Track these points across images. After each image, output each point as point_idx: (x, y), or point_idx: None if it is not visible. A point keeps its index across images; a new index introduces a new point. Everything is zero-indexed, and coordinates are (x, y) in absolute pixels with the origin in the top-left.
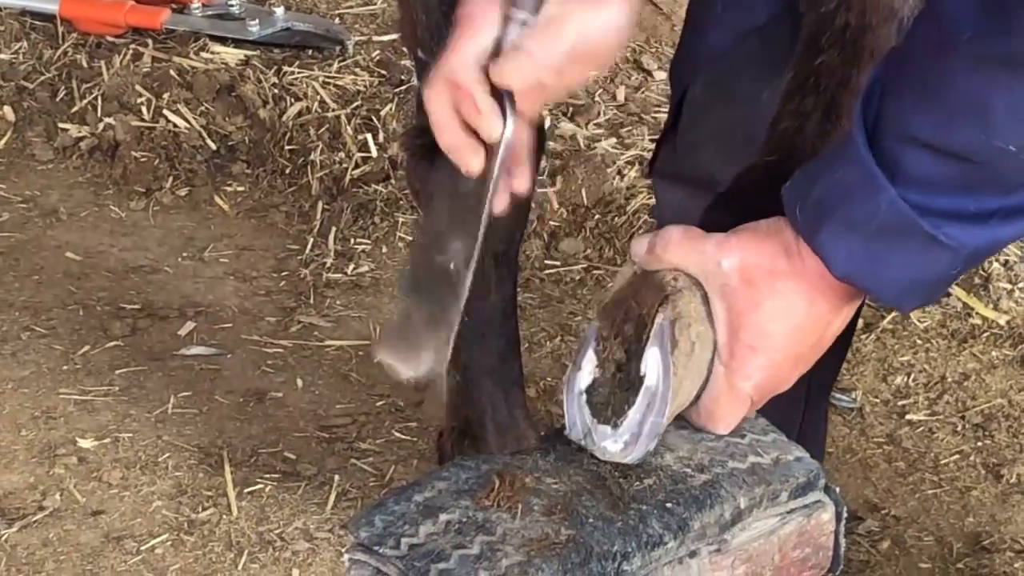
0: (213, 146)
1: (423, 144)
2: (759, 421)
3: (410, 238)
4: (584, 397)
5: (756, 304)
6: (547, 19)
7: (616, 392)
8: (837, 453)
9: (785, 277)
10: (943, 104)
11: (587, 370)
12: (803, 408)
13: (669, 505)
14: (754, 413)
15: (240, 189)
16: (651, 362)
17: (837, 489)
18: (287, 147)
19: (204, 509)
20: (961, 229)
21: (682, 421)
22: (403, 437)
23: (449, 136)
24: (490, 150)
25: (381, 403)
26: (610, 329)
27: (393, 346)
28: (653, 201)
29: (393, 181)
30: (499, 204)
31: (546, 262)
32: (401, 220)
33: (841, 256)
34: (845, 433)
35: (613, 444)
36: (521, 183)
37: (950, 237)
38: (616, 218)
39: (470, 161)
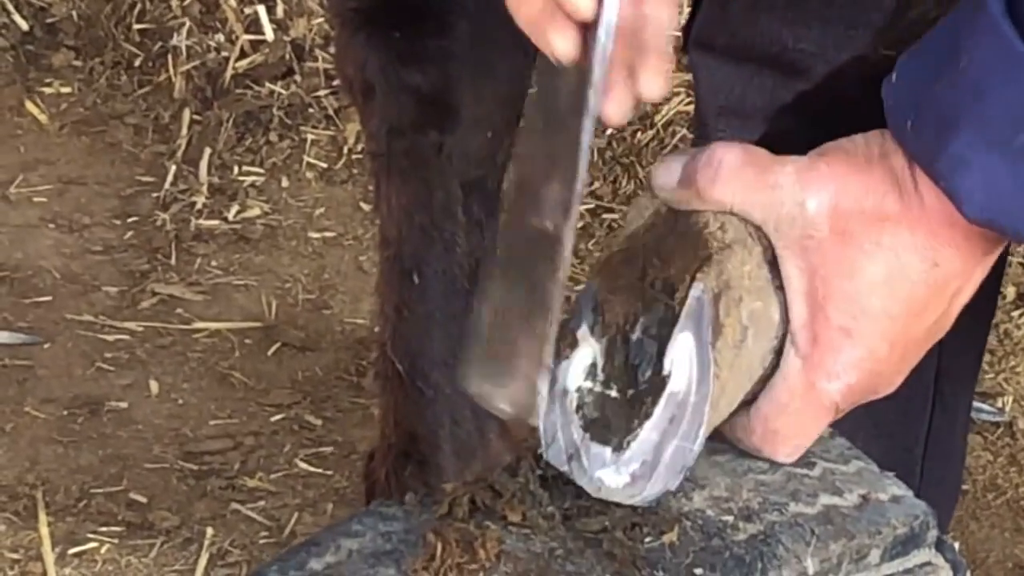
0: (24, 25)
1: (362, 8)
2: (836, 441)
3: (324, 165)
4: (572, 400)
5: (852, 267)
6: None
7: (623, 396)
8: (974, 491)
9: (895, 225)
10: None
11: (578, 359)
12: (930, 414)
13: (699, 572)
14: (827, 428)
15: (65, 91)
16: (680, 356)
17: (957, 546)
18: (136, 26)
19: None
20: None
21: (717, 440)
22: (312, 469)
23: (526, 5)
24: (589, 33)
25: (279, 417)
26: (616, 298)
27: (486, 367)
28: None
29: (299, 78)
30: (612, 110)
31: None
32: (311, 138)
33: (978, 189)
34: (987, 461)
35: (614, 476)
36: (649, 85)
37: None
38: (640, 133)
39: (554, 41)
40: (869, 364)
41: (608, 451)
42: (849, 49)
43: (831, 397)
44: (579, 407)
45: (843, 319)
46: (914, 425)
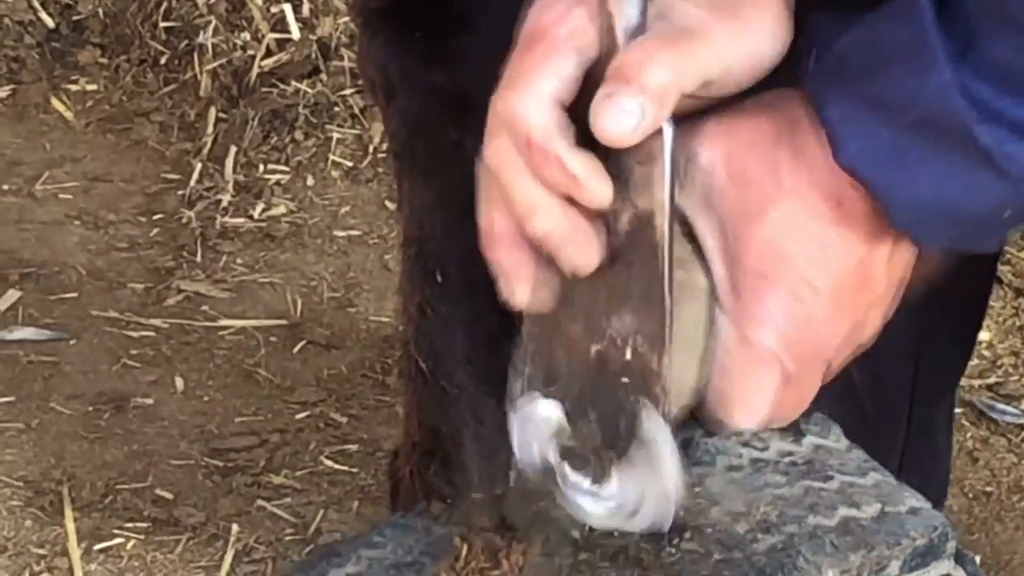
0: (50, 22)
1: (383, 8)
2: (854, 454)
3: (349, 164)
4: (548, 425)
5: (758, 209)
6: (677, 31)
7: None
8: (999, 493)
9: (793, 167)
10: None
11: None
12: (906, 421)
13: None
14: (845, 441)
15: (91, 88)
16: None
17: (977, 559)
18: (162, 24)
19: None
20: None
21: (732, 456)
22: (337, 466)
23: (547, 219)
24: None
25: (304, 415)
26: None
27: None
28: None
29: (325, 77)
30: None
31: None
32: (337, 136)
33: (855, 142)
34: (1011, 463)
35: (594, 505)
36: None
37: (1012, 161)
38: None
39: (586, 253)
40: (795, 307)
41: (587, 482)
42: None
43: (767, 347)
44: (556, 434)
45: (758, 263)
46: (886, 450)
